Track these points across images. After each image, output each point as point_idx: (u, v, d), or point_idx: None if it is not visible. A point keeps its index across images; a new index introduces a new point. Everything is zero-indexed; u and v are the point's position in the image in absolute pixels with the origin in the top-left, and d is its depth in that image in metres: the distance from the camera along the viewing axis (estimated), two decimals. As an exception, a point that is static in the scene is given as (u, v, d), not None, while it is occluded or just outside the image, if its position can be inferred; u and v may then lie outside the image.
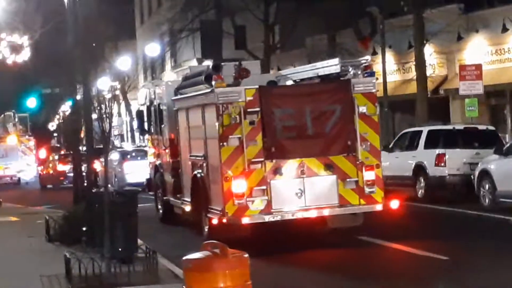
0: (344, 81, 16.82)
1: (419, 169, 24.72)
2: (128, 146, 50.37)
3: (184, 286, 8.49)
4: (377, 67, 36.00)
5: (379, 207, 16.55)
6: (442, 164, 24.08)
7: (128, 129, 65.82)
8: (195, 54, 54.07)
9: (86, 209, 17.22)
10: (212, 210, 17.10)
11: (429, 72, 32.64)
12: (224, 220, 16.26)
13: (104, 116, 13.93)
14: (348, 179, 16.40)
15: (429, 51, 33.05)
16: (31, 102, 60.32)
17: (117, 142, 56.06)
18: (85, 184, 19.79)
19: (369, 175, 16.43)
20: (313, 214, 16.39)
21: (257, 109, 16.28)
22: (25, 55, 36.63)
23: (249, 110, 16.21)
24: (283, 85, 18.48)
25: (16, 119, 53.60)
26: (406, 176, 25.11)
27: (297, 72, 19.32)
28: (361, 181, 16.39)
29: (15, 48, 36.27)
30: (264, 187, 16.23)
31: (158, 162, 22.88)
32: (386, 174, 26.00)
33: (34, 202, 33.99)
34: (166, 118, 21.35)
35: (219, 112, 16.15)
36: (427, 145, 24.77)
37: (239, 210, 16.10)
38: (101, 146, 16.07)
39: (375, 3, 34.97)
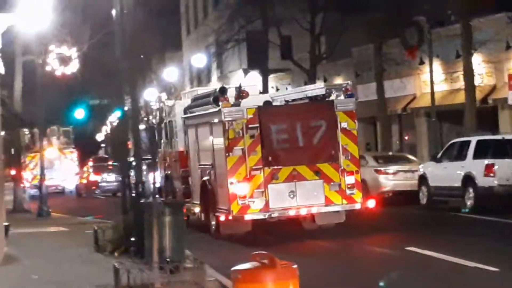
0: (328, 101, 19.96)
1: (468, 179, 24.50)
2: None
3: (233, 297, 8.49)
4: (424, 77, 35.85)
5: (358, 206, 19.71)
6: (491, 175, 23.86)
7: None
8: (241, 64, 54.23)
9: (135, 220, 17.32)
10: (219, 210, 20.17)
11: (477, 81, 32.31)
12: (230, 217, 19.35)
13: (154, 126, 14.00)
14: (332, 183, 19.50)
15: (477, 60, 32.74)
16: (79, 113, 60.86)
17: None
18: (133, 194, 19.88)
19: (349, 179, 19.59)
20: (303, 212, 19.61)
21: (257, 125, 19.41)
22: (73, 66, 37.07)
23: (250, 126, 19.35)
24: (278, 105, 21.40)
25: (60, 132, 56.86)
26: (454, 186, 24.91)
27: (289, 94, 22.43)
28: (343, 185, 19.54)
29: (64, 60, 36.70)
30: (263, 190, 19.33)
31: (168, 172, 25.57)
32: (435, 184, 25.98)
33: (78, 212, 34.31)
34: (177, 133, 24.09)
35: (225, 128, 19.20)
36: (476, 155, 24.55)
37: (242, 209, 19.20)
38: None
39: (422, 12, 34.75)
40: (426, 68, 34.44)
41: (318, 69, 43.03)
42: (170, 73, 54.41)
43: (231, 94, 20.06)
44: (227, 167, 19.30)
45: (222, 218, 19.81)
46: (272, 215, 19.51)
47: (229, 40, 48.09)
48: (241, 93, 19.93)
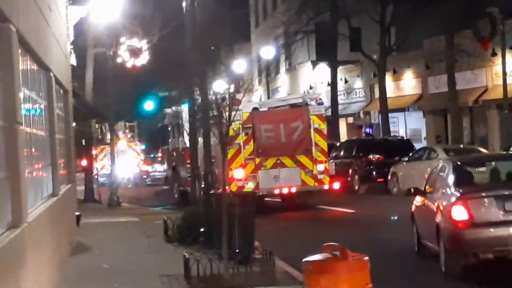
0: (305, 107, 26.16)
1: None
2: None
3: (303, 288, 8.45)
4: (497, 69, 35.21)
5: (326, 187, 26.05)
6: None
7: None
8: (309, 56, 54.04)
9: (204, 210, 17.38)
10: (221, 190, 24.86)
11: (551, 73, 31.67)
12: None
13: (223, 119, 14.05)
14: (307, 170, 25.67)
15: (552, 52, 32.09)
16: (149, 105, 61.44)
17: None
18: (203, 186, 19.96)
19: (320, 167, 25.82)
20: (285, 191, 25.79)
21: (250, 125, 25.70)
22: (143, 58, 37.38)
23: (245, 126, 25.43)
24: (266, 110, 27.47)
25: (126, 127, 60.37)
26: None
27: (273, 102, 30.12)
28: (315, 171, 25.69)
29: (134, 52, 37.03)
30: (254, 174, 25.62)
31: (174, 164, 32.36)
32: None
33: (146, 202, 34.67)
34: (184, 132, 29.40)
35: (223, 126, 21.62)
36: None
37: (239, 189, 24.97)
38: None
39: (495, 3, 34.11)
40: (498, 59, 33.84)
41: (388, 61, 42.64)
42: (239, 65, 54.47)
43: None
44: (226, 158, 20.81)
45: None
46: (262, 193, 25.44)
47: (298, 31, 47.93)
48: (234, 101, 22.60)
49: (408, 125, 45.58)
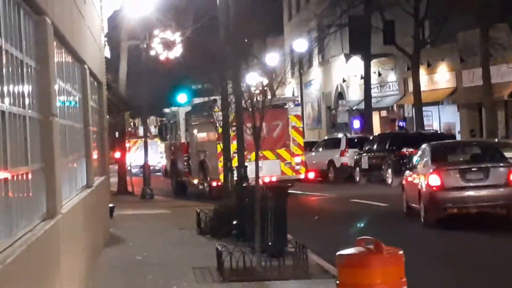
0: (284, 108, 29.60)
1: None
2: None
3: (337, 282, 8.39)
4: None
5: (302, 177, 30.24)
6: None
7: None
8: (343, 49, 53.85)
9: (237, 203, 17.39)
10: (212, 179, 29.94)
11: None
12: (219, 183, 26.64)
13: (258, 111, 14.05)
14: (286, 161, 29.35)
15: None
16: (182, 98, 61.65)
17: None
18: (235, 178, 19.98)
19: (297, 159, 29.76)
20: (267, 179, 27.66)
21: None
22: (177, 51, 37.44)
23: (232, 124, 26.10)
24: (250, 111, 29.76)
25: (157, 122, 61.57)
26: None
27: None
28: (293, 163, 29.57)
29: (168, 45, 37.11)
30: None
31: (172, 157, 36.16)
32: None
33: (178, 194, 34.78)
34: (181, 129, 34.57)
35: (216, 125, 26.10)
36: None
37: None
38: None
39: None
40: (534, 53, 33.51)
41: (422, 54, 42.37)
42: (272, 58, 54.43)
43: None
44: (217, 151, 27.24)
45: (213, 184, 29.42)
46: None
47: (331, 25, 47.76)
48: (213, 101, 28.99)
49: (442, 119, 45.28)
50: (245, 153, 26.45)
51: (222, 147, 26.29)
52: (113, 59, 39.13)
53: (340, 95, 56.90)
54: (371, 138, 38.04)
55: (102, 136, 18.92)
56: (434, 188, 18.98)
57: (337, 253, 8.38)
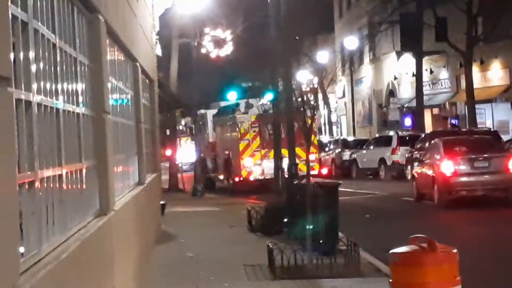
0: (300, 111, 32.08)
1: None
2: (325, 138, 50.65)
3: (390, 280, 8.31)
4: None
5: (316, 172, 30.56)
6: None
7: (326, 121, 66.04)
8: (394, 47, 53.51)
9: (288, 201, 17.35)
10: (235, 175, 33.34)
11: None
12: (241, 179, 32.68)
13: (309, 108, 14.01)
14: (301, 159, 28.30)
15: None
16: (232, 96, 61.85)
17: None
18: (286, 176, 19.96)
19: (312, 157, 29.19)
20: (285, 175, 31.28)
21: (257, 125, 32.77)
22: (227, 49, 37.53)
23: (253, 125, 32.44)
24: (269, 113, 31.76)
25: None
26: None
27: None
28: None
29: (218, 43, 37.22)
30: (260, 163, 32.54)
31: (201, 155, 38.72)
32: None
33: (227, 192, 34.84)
34: (209, 129, 38.04)
35: (239, 126, 32.26)
36: None
37: (248, 174, 32.78)
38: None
39: None
40: None
41: (475, 51, 41.88)
42: (322, 56, 54.26)
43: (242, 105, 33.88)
44: (239, 149, 32.37)
45: (236, 179, 33.19)
46: (266, 177, 30.87)
47: (382, 22, 47.49)
48: (249, 106, 33.33)
49: (495, 117, 44.72)
50: (262, 151, 31.87)
51: (243, 146, 32.18)
52: (164, 57, 39.35)
53: (391, 93, 56.53)
54: (422, 136, 37.71)
55: (153, 133, 19.02)
56: (448, 174, 23.26)
57: (390, 251, 8.29)
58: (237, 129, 32.26)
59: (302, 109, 15.95)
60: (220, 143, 36.09)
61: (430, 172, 24.22)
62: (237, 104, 32.54)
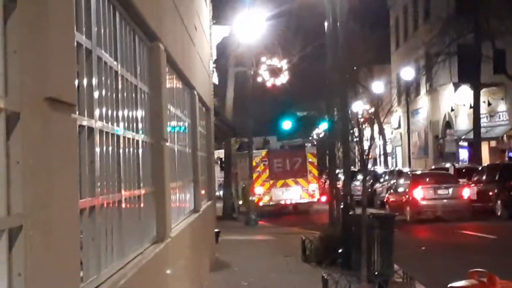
0: (303, 148, 39.81)
1: None
2: (380, 169, 50.33)
3: (447, 315, 8.21)
4: None
5: (315, 200, 38.64)
6: None
7: (381, 152, 65.63)
8: (451, 78, 53.07)
9: (342, 231, 17.24)
10: (249, 201, 36.26)
11: None
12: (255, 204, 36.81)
13: (366, 139, 13.94)
14: (304, 188, 37.95)
15: None
16: (286, 125, 61.91)
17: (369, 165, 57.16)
18: (341, 206, 19.83)
19: (312, 186, 38.58)
20: (288, 202, 38.60)
21: (266, 159, 38.67)
22: (283, 78, 37.60)
23: (263, 159, 38.34)
24: (277, 149, 43.48)
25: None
26: None
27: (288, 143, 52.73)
28: (309, 189, 38.33)
29: (274, 72, 37.33)
30: (269, 191, 38.15)
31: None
32: None
33: (281, 222, 34.74)
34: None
35: (252, 159, 36.64)
36: None
37: (259, 200, 37.35)
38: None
39: None
40: None
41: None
42: (378, 86, 54.12)
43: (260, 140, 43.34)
44: (252, 179, 36.55)
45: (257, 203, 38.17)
46: (274, 203, 38.02)
47: (440, 53, 47.20)
48: (264, 142, 41.99)
49: (553, 150, 44.02)
50: (271, 181, 38.00)
51: (255, 176, 37.17)
52: (220, 85, 39.58)
53: (448, 124, 56.01)
54: (480, 168, 37.25)
55: (209, 161, 19.08)
56: (418, 199, 31.34)
57: (449, 285, 8.18)
58: (251, 162, 36.66)
59: (358, 139, 15.85)
60: (241, 172, 40.91)
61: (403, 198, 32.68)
62: (251, 142, 36.96)
